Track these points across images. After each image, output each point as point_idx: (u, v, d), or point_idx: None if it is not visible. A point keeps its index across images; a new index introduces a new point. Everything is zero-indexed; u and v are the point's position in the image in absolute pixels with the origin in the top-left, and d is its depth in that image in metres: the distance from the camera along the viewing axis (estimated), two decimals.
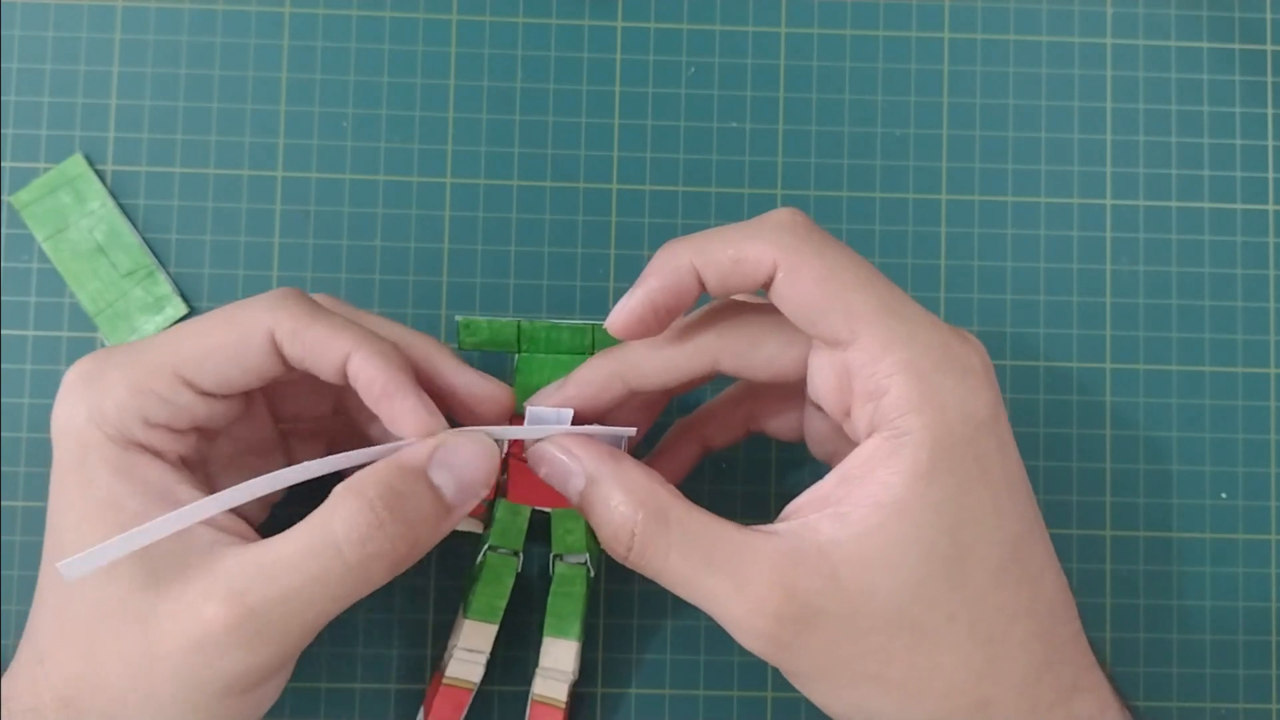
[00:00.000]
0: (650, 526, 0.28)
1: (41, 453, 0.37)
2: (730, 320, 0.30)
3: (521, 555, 0.34)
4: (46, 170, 0.38)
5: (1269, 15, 0.40)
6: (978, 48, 0.39)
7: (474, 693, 0.33)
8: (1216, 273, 0.39)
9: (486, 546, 0.34)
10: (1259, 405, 0.38)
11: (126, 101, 0.38)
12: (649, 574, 0.28)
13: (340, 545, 0.27)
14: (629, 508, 0.28)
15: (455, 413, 0.32)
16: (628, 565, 0.28)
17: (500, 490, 0.34)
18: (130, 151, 0.38)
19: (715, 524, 0.28)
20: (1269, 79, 0.40)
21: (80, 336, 0.37)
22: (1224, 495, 0.38)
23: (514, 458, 0.33)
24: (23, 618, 0.36)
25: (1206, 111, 0.39)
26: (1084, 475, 0.38)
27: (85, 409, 0.28)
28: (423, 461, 0.28)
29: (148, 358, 0.29)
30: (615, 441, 0.32)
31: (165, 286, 0.37)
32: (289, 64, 0.38)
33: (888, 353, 0.27)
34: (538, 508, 0.34)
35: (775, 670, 0.37)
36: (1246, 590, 0.38)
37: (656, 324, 0.29)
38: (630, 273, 0.38)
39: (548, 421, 0.31)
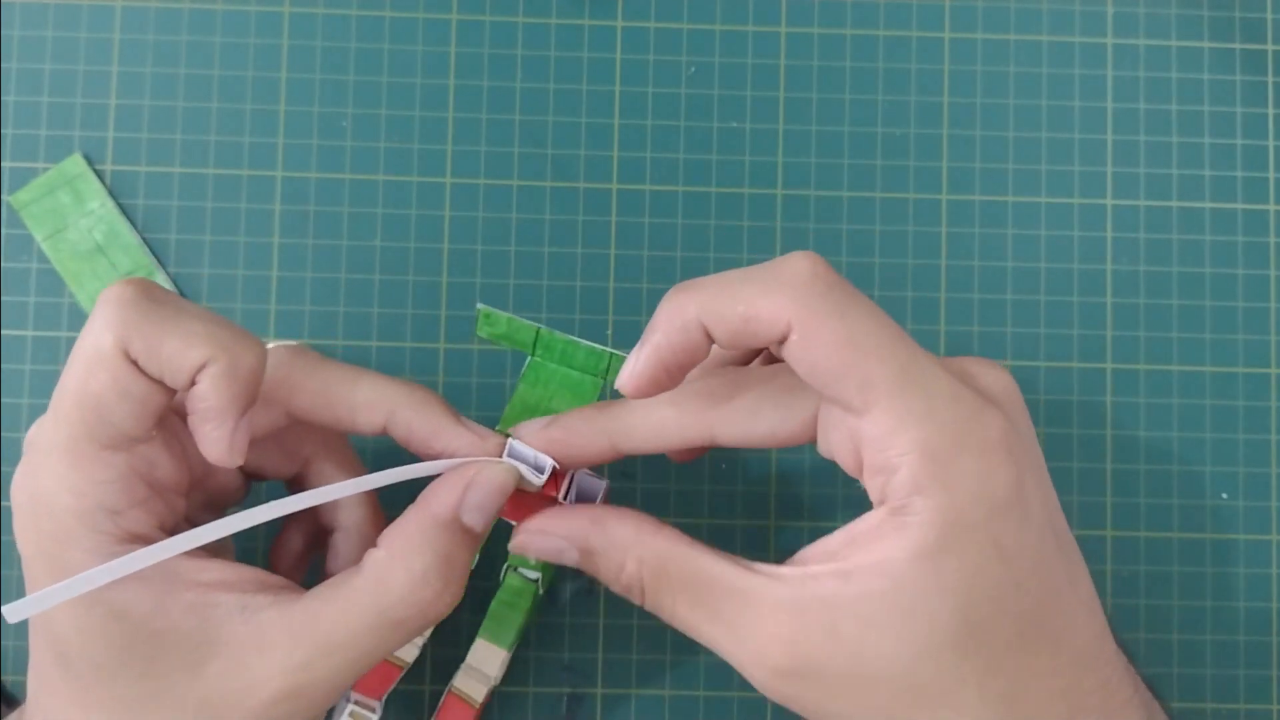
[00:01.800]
0: (652, 585, 0.28)
1: None
2: (729, 389, 0.29)
3: (540, 579, 0.34)
4: (45, 170, 0.38)
5: (1270, 15, 0.40)
6: (978, 47, 0.39)
7: (478, 712, 0.34)
8: (1217, 273, 0.39)
9: (508, 565, 0.34)
10: (1260, 405, 0.38)
11: (126, 101, 0.38)
12: (662, 619, 0.29)
13: (398, 619, 0.27)
14: (631, 567, 0.28)
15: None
16: (647, 611, 0.29)
17: None
18: (129, 151, 0.38)
19: (716, 568, 0.27)
20: (1270, 79, 0.40)
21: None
22: (1225, 496, 0.38)
23: None
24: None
25: (1207, 111, 0.39)
26: (1084, 475, 0.38)
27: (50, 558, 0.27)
28: (455, 508, 0.28)
29: (62, 439, 0.27)
30: (593, 492, 0.31)
31: (165, 286, 0.37)
32: (288, 64, 0.38)
33: (901, 430, 0.25)
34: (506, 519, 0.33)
35: None
36: (1247, 591, 0.38)
37: (669, 381, 0.28)
38: (630, 272, 0.38)
39: (527, 460, 0.30)
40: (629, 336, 0.38)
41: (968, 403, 0.26)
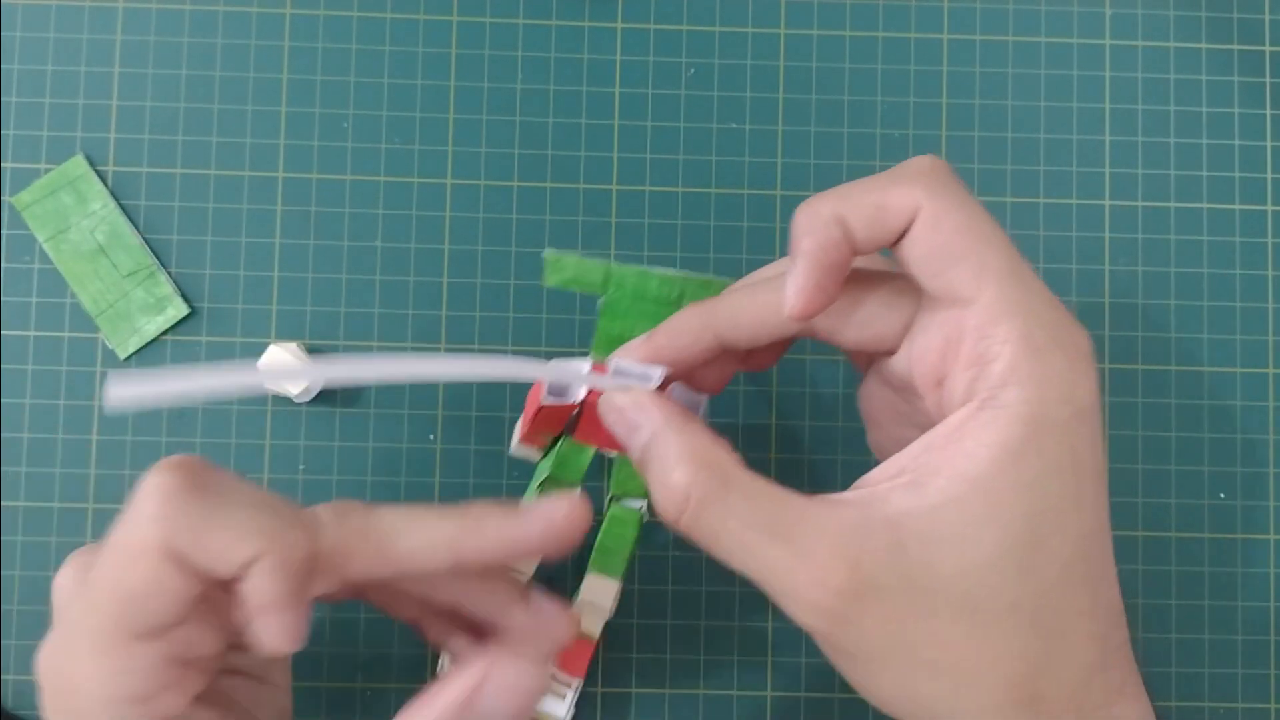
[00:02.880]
0: (710, 488, 0.26)
1: (42, 453, 0.37)
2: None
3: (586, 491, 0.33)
4: (48, 171, 0.38)
5: (1267, 16, 0.40)
6: (976, 49, 0.39)
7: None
8: (1215, 273, 0.39)
9: (546, 476, 0.34)
10: (1257, 405, 0.39)
11: (128, 102, 0.38)
12: (701, 540, 0.27)
13: None
14: (690, 468, 0.27)
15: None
16: (678, 529, 0.27)
17: (570, 428, 0.33)
18: (131, 152, 0.38)
19: (779, 491, 0.27)
20: (1267, 80, 0.40)
21: (82, 337, 0.37)
22: (1222, 495, 0.38)
23: (588, 404, 0.32)
24: (23, 617, 0.37)
25: (1205, 112, 0.39)
26: None
27: None
28: (466, 703, 0.29)
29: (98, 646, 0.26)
30: (693, 406, 0.31)
31: (166, 287, 0.37)
32: (290, 65, 0.38)
33: (1006, 318, 0.26)
34: (602, 449, 0.33)
35: (775, 669, 0.37)
36: (1245, 590, 0.38)
37: (835, 287, 0.27)
38: None
39: (633, 375, 0.29)
40: None
41: (1063, 311, 0.27)
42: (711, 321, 0.29)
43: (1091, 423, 0.26)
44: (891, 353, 0.29)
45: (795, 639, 0.37)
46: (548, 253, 0.32)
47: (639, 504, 0.34)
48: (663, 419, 0.28)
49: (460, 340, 0.38)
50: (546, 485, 0.34)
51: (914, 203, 0.26)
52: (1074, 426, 0.26)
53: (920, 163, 0.27)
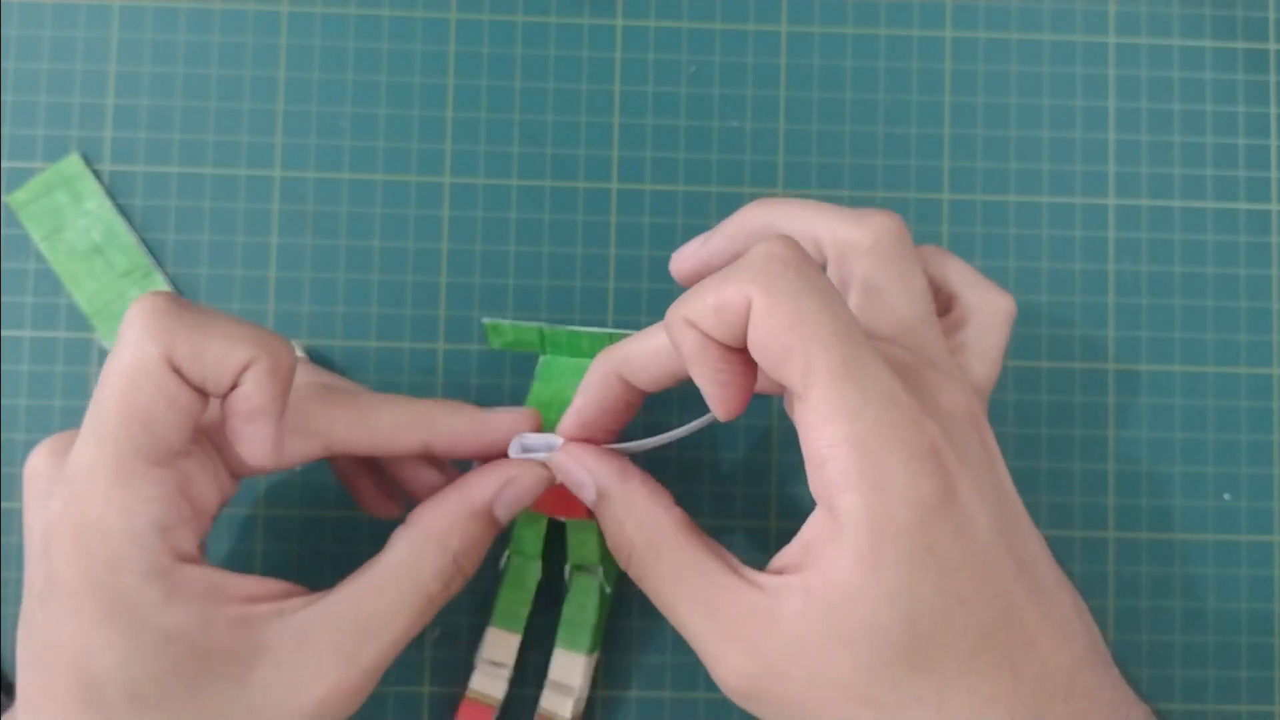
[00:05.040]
0: (643, 554, 0.29)
1: None
2: None
3: (541, 562, 0.34)
4: (43, 170, 0.38)
5: (1272, 14, 0.40)
6: (980, 46, 0.39)
7: (496, 710, 0.33)
8: (1220, 272, 0.39)
9: (509, 551, 0.34)
10: (1262, 406, 0.38)
11: (123, 101, 0.38)
12: (644, 591, 0.29)
13: (431, 594, 0.29)
14: (629, 529, 0.29)
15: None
16: (629, 574, 0.30)
17: None
18: (127, 151, 0.38)
19: (705, 561, 0.28)
20: (1272, 78, 0.39)
21: (77, 337, 0.37)
22: (1227, 496, 0.38)
23: None
24: (18, 620, 0.36)
25: (1210, 110, 0.39)
26: (1086, 476, 0.38)
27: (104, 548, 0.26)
28: (490, 500, 0.30)
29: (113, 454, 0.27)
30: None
31: (162, 287, 0.37)
32: (286, 63, 0.38)
33: (833, 422, 0.25)
34: (553, 516, 0.34)
35: None
36: (1250, 592, 0.38)
37: (738, 378, 0.27)
38: (629, 273, 0.38)
39: (539, 448, 0.31)
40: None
41: (904, 408, 0.25)
42: (614, 366, 0.30)
43: (948, 519, 0.25)
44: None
45: None
46: (486, 321, 0.35)
47: (595, 570, 0.34)
48: (605, 475, 0.30)
49: (458, 340, 0.37)
50: (510, 560, 0.34)
51: (745, 298, 0.26)
52: (926, 527, 0.25)
53: (760, 249, 0.26)
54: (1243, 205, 0.39)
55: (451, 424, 0.31)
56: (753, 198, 0.38)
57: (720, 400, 0.27)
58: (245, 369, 0.27)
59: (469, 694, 0.34)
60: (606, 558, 0.34)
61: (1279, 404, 0.38)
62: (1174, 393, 0.38)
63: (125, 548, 0.26)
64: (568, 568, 0.34)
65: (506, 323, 0.35)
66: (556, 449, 0.31)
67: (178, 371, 0.26)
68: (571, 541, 0.34)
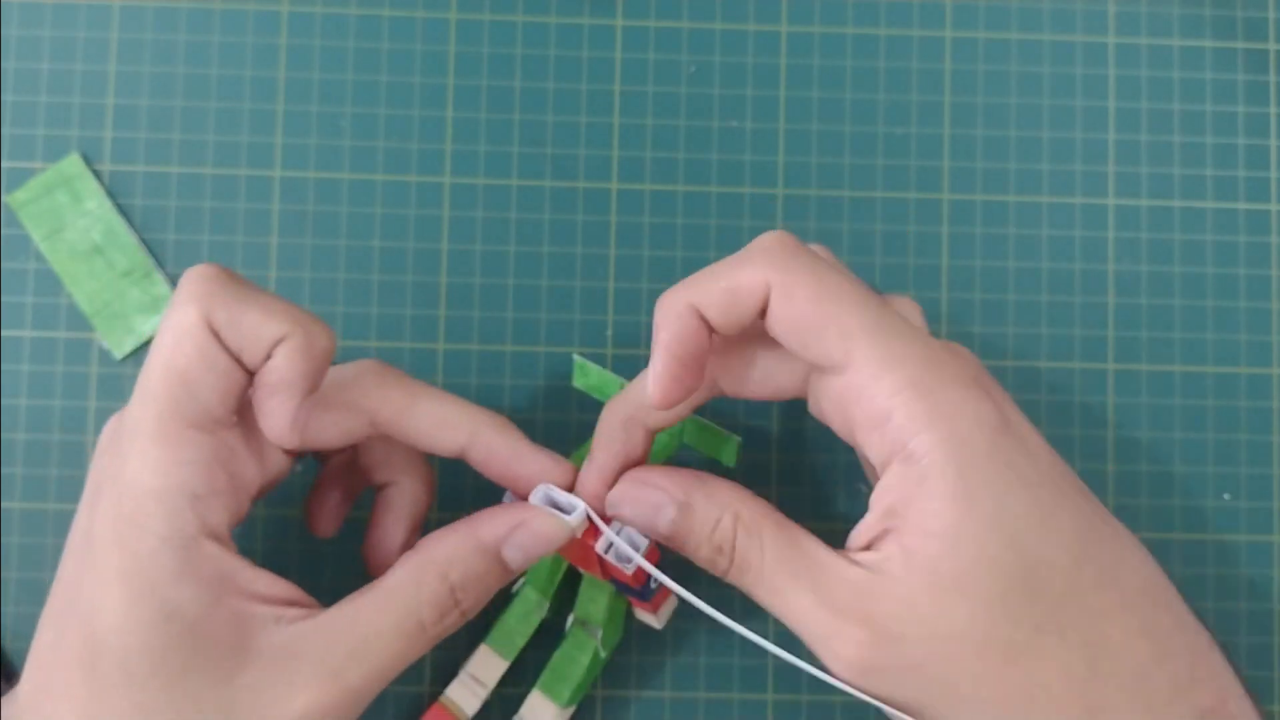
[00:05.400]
0: (745, 547, 0.28)
1: (40, 454, 0.37)
2: (725, 342, 0.30)
3: (549, 603, 0.34)
4: (43, 170, 0.38)
5: (1271, 14, 0.40)
6: (979, 46, 0.39)
7: None
8: (1219, 273, 0.39)
9: (524, 580, 0.34)
10: (1262, 406, 0.38)
11: (123, 101, 0.38)
12: (745, 587, 0.29)
13: (425, 625, 0.28)
14: (728, 521, 0.28)
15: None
16: (728, 580, 0.29)
17: None
18: (127, 151, 0.38)
19: (806, 543, 0.28)
20: (1272, 78, 0.39)
21: (77, 337, 0.37)
22: (1227, 496, 0.38)
23: None
24: (23, 618, 0.36)
25: (1209, 110, 0.39)
26: (1086, 476, 0.37)
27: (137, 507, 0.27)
28: (499, 540, 0.29)
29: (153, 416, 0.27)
30: (637, 545, 0.31)
31: (162, 286, 0.37)
32: (286, 63, 0.38)
33: (887, 371, 0.26)
34: (575, 565, 0.34)
35: (776, 673, 0.37)
36: (1249, 592, 0.38)
37: (691, 377, 0.28)
38: (630, 273, 0.38)
39: (560, 504, 0.30)
40: (629, 337, 0.38)
41: (937, 345, 0.27)
42: (629, 411, 0.30)
43: (1014, 433, 0.27)
44: (803, 398, 0.30)
45: (795, 642, 0.37)
46: (577, 359, 0.36)
47: (599, 632, 0.34)
48: (685, 486, 0.29)
49: (459, 340, 0.37)
50: (523, 589, 0.35)
51: (763, 281, 0.27)
52: (999, 444, 0.26)
53: (765, 240, 0.28)
54: (1242, 205, 0.39)
55: (492, 439, 0.31)
56: (752, 197, 0.38)
57: (667, 391, 0.28)
58: (278, 343, 0.27)
59: (442, 699, 0.34)
60: (610, 624, 0.34)
61: (1278, 404, 0.38)
62: (1173, 393, 0.38)
63: (152, 506, 0.26)
64: (571, 617, 0.34)
65: (594, 366, 0.36)
66: (577, 509, 0.30)
67: (217, 337, 0.27)
68: (582, 596, 0.34)
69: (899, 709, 0.27)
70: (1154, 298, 0.39)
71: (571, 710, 0.35)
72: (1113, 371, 0.38)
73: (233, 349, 0.27)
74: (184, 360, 0.27)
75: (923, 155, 0.39)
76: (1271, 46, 0.40)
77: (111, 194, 0.38)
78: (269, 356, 0.27)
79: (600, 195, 0.38)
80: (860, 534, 0.28)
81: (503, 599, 0.34)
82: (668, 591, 0.32)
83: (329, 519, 0.33)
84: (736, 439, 0.35)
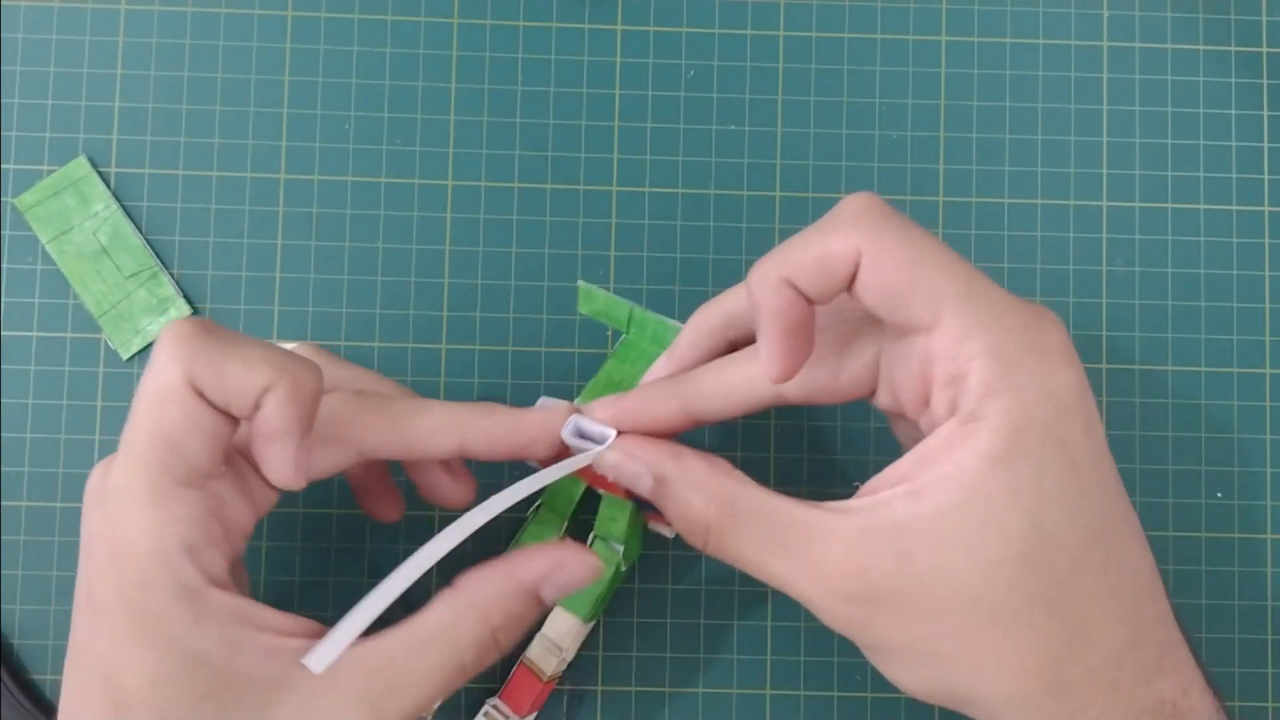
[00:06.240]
0: (721, 520, 0.28)
1: (41, 454, 0.37)
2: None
3: (566, 525, 0.35)
4: (50, 172, 0.38)
5: (1264, 18, 0.40)
6: (975, 50, 0.39)
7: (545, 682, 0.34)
8: (1212, 274, 0.39)
9: (539, 502, 0.35)
10: (1254, 405, 0.39)
11: (130, 104, 0.38)
12: (727, 562, 0.29)
13: (465, 664, 0.28)
14: (700, 503, 0.29)
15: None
16: (707, 554, 0.29)
17: None
18: (134, 154, 0.38)
19: (784, 506, 0.28)
20: (1264, 81, 0.40)
21: (84, 338, 0.38)
22: (1219, 495, 0.38)
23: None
24: (23, 617, 0.37)
25: (1202, 113, 0.40)
26: None
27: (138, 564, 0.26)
28: (538, 580, 0.29)
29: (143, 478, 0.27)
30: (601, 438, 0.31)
31: (169, 288, 0.38)
32: (291, 67, 0.39)
33: (970, 336, 0.26)
34: (592, 486, 0.34)
35: (774, 667, 0.37)
36: (1242, 589, 0.38)
37: (802, 346, 0.28)
38: (630, 273, 0.38)
39: (592, 435, 0.31)
40: None
41: (1027, 312, 0.27)
42: (680, 392, 0.30)
43: (1080, 412, 0.27)
44: (872, 393, 0.30)
45: (794, 637, 0.37)
46: (582, 284, 0.36)
47: (619, 546, 0.34)
48: (659, 460, 0.29)
49: (461, 340, 0.38)
50: (539, 512, 0.35)
51: (854, 248, 0.27)
52: (1060, 421, 0.26)
53: (854, 204, 0.28)
54: (1235, 207, 0.39)
55: (484, 426, 0.31)
56: (751, 200, 0.39)
57: (783, 365, 0.28)
58: (266, 392, 0.27)
59: (524, 660, 0.34)
60: (631, 539, 0.34)
61: (1271, 403, 0.39)
62: (1167, 392, 0.39)
63: (155, 569, 0.26)
64: (592, 535, 0.34)
65: (600, 291, 0.36)
66: (609, 439, 0.30)
67: (201, 395, 0.26)
68: (602, 514, 0.34)
69: (876, 652, 0.28)
70: (1147, 299, 0.39)
71: (592, 625, 0.35)
72: (1106, 371, 0.39)
73: (219, 404, 0.27)
74: (169, 423, 0.26)
75: (918, 158, 0.39)
76: (1264, 50, 0.40)
77: (118, 196, 0.38)
78: (258, 406, 0.27)
79: (601, 198, 0.39)
80: (879, 480, 0.28)
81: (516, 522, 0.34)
82: None
83: (388, 509, 0.34)
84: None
